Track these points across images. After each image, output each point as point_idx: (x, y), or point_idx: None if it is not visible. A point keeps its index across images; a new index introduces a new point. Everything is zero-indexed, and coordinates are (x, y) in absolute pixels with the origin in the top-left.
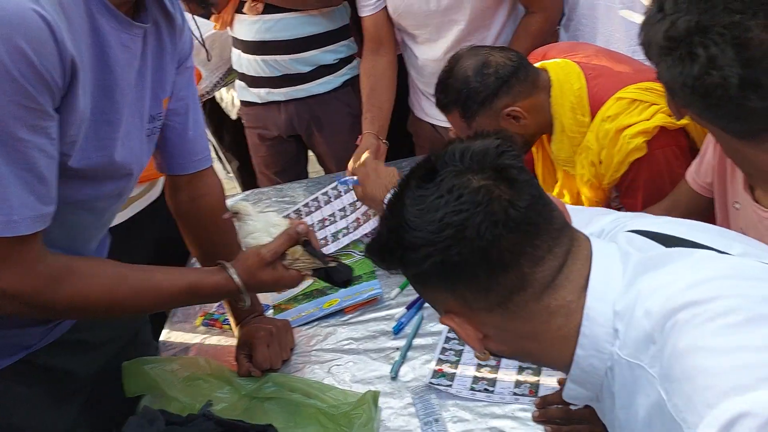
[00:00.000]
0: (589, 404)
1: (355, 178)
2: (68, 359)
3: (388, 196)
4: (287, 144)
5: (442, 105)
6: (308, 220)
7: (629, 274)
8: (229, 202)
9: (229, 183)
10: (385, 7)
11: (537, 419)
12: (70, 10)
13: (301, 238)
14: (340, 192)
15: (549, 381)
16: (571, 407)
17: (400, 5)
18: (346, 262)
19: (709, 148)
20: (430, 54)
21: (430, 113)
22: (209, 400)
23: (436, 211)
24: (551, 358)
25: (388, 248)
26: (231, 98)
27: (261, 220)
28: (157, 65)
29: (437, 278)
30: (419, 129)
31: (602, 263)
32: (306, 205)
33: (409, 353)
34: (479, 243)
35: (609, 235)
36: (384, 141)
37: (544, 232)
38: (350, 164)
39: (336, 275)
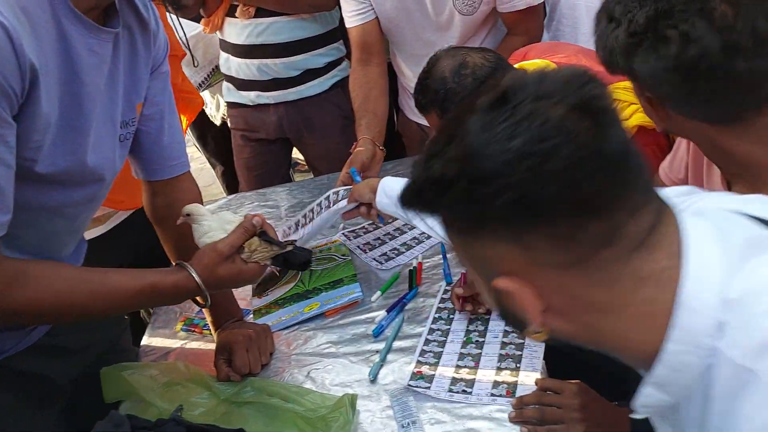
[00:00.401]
0: (655, 415)
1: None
2: (45, 365)
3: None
4: (272, 147)
5: (421, 105)
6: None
7: (734, 256)
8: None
9: (218, 188)
10: (375, 18)
11: (513, 420)
12: (34, 15)
13: (257, 230)
14: (330, 204)
15: (527, 381)
16: (553, 407)
17: (392, 23)
18: (328, 266)
19: (683, 143)
20: (419, 69)
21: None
22: (180, 405)
23: (512, 138)
24: (628, 341)
25: (447, 182)
26: (216, 103)
27: (215, 219)
28: (129, 70)
29: (505, 223)
30: (409, 129)
31: (697, 237)
32: (304, 216)
33: (389, 356)
34: (568, 178)
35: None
36: (381, 147)
37: (639, 179)
38: (343, 171)
39: (294, 259)
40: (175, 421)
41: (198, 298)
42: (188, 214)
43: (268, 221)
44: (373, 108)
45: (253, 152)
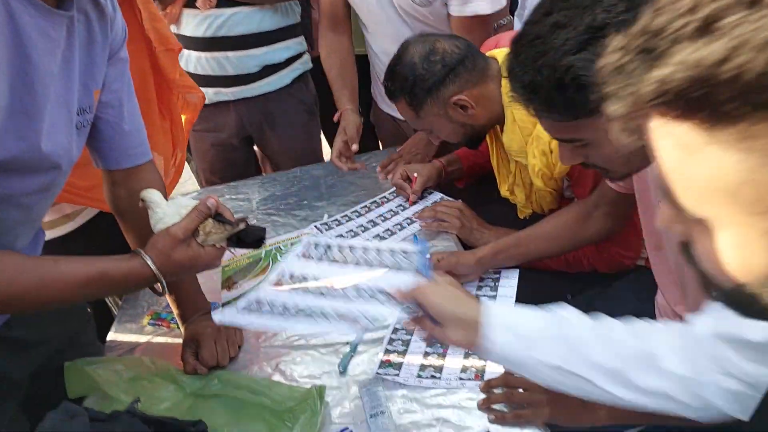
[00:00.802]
0: None
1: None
2: (1, 358)
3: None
4: (236, 152)
5: (390, 92)
6: None
7: None
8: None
9: (194, 184)
10: None
11: (482, 407)
12: None
13: (212, 212)
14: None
15: (495, 366)
16: (519, 390)
17: (362, 9)
18: None
19: None
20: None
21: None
22: (137, 397)
23: None
24: None
25: None
26: None
27: (170, 204)
28: (86, 56)
29: None
30: (382, 120)
31: None
32: (365, 250)
33: (360, 347)
34: None
35: None
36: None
37: None
38: (338, 140)
39: (247, 237)
40: (130, 413)
41: (156, 286)
42: (142, 200)
43: (238, 214)
44: (351, 80)
45: (218, 156)
